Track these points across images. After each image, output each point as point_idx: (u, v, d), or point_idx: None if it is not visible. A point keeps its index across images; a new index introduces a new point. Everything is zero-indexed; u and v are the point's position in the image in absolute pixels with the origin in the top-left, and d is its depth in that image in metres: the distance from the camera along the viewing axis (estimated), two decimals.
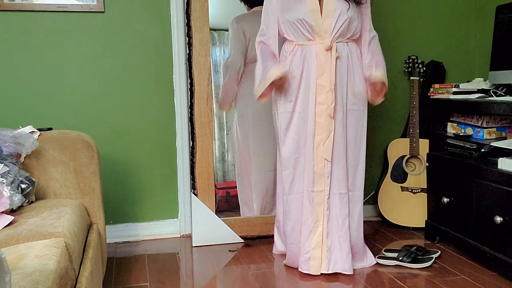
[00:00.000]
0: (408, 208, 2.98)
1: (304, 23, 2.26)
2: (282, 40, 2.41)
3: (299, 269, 2.37)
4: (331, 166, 2.31)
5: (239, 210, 2.94)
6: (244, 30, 2.86)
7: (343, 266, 2.33)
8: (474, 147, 2.52)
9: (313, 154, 2.31)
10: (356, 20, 2.30)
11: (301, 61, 2.30)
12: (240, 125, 2.96)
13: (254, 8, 2.88)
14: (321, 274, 2.35)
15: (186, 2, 2.71)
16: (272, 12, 2.36)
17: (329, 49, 2.26)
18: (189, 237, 2.94)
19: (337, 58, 2.28)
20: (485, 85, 2.67)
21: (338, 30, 2.26)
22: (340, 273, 2.35)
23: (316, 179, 2.31)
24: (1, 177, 1.79)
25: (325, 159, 2.30)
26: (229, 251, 2.69)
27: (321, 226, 2.34)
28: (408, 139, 3.00)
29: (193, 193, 2.78)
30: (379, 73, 2.34)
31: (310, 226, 2.34)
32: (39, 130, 2.12)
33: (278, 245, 2.62)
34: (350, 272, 2.33)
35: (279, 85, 2.32)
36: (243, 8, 2.97)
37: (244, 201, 2.96)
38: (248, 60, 2.88)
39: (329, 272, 2.34)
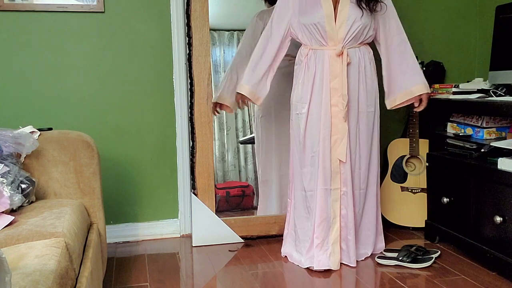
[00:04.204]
0: (408, 208, 2.98)
1: (319, 28, 2.34)
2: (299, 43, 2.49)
3: (316, 267, 2.38)
4: (345, 166, 2.40)
5: (239, 210, 2.94)
6: (265, 26, 2.86)
7: (354, 258, 2.45)
8: (474, 147, 2.52)
9: (330, 153, 2.38)
10: (369, 26, 2.38)
11: (314, 65, 2.39)
12: (263, 124, 2.96)
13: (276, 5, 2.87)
14: (322, 271, 2.36)
15: (186, 2, 2.71)
16: (285, 14, 2.43)
17: (340, 54, 2.35)
18: (189, 237, 2.94)
19: (348, 63, 2.35)
20: (485, 85, 2.67)
21: (351, 36, 2.35)
22: (340, 272, 2.35)
23: (332, 177, 2.39)
24: (1, 177, 1.79)
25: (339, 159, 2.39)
26: (229, 251, 2.69)
27: (338, 222, 2.42)
28: (408, 139, 3.00)
29: (193, 193, 2.78)
30: (420, 87, 2.43)
31: (329, 222, 2.40)
32: (39, 130, 2.12)
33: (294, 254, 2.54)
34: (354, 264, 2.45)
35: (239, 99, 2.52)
36: (243, 9, 2.97)
37: (265, 200, 2.96)
38: None
39: (351, 264, 2.43)
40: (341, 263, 2.44)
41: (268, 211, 2.95)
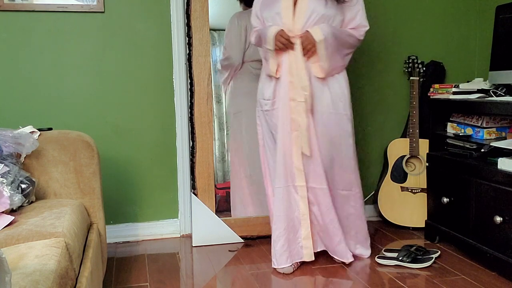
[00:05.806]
0: (408, 208, 2.98)
1: (277, 20, 2.29)
2: None
3: (290, 262, 2.37)
4: (311, 162, 2.33)
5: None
6: (246, 27, 2.86)
7: (334, 249, 2.44)
8: (474, 147, 2.52)
9: (291, 150, 2.33)
10: (332, 18, 2.28)
11: (276, 59, 2.33)
12: (235, 123, 2.97)
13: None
14: (322, 272, 2.36)
15: (186, 2, 2.71)
16: (257, 15, 2.42)
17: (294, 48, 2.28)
18: (189, 237, 2.94)
19: (307, 58, 2.29)
20: (485, 85, 2.67)
21: (309, 28, 2.26)
22: (339, 272, 2.36)
23: (296, 174, 2.34)
24: (1, 177, 1.79)
25: (302, 154, 2.31)
26: (229, 251, 2.69)
27: (308, 218, 2.38)
28: (408, 139, 3.00)
29: (193, 193, 2.78)
30: (314, 30, 2.23)
31: (299, 218, 2.37)
32: (39, 130, 2.12)
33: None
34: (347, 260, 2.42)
35: (283, 43, 2.26)
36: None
37: (239, 201, 2.95)
38: (246, 57, 2.88)
39: (318, 250, 2.44)
40: (335, 260, 2.44)
41: (237, 213, 2.92)
